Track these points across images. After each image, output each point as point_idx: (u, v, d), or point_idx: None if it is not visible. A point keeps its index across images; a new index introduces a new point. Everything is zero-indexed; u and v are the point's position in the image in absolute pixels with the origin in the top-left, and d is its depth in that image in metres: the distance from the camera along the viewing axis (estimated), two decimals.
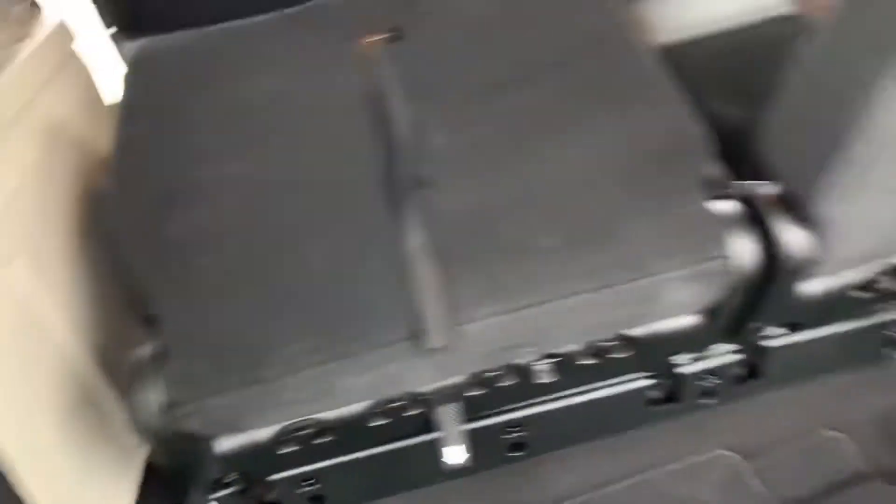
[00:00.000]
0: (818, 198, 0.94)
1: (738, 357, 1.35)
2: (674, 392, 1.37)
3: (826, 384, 1.52)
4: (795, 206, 0.98)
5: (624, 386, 1.31)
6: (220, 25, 1.41)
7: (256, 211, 1.11)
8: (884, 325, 1.40)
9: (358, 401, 1.04)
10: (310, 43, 1.35)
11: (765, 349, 1.35)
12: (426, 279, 1.00)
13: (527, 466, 1.43)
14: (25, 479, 1.00)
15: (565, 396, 1.29)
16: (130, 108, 1.26)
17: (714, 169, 1.09)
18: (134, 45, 1.40)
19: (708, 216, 1.03)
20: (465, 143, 1.15)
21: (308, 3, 1.42)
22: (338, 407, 1.05)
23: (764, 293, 1.12)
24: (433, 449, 1.13)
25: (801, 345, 1.37)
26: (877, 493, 1.44)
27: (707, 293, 1.04)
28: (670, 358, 1.29)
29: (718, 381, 1.38)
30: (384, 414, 1.11)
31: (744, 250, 1.03)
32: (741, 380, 1.40)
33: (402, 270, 1.01)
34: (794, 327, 1.29)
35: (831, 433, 1.53)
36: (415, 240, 1.03)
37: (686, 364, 1.33)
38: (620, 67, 1.22)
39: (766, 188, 1.07)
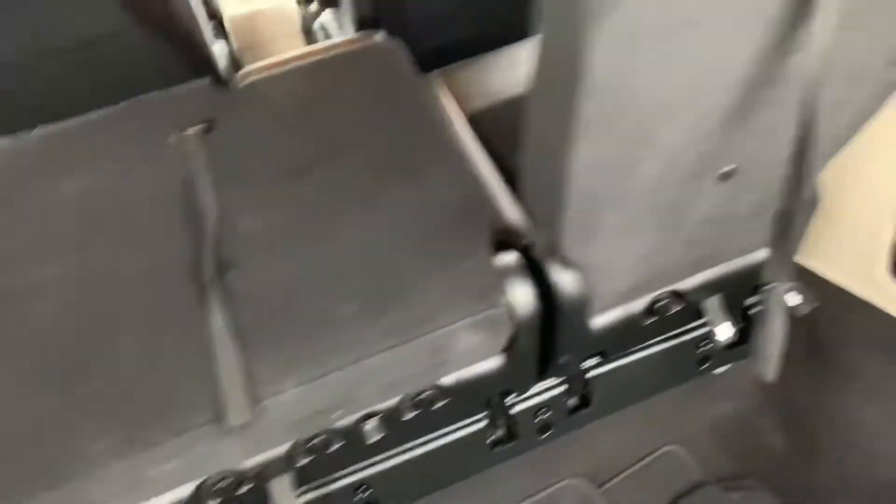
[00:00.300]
0: (563, 244, 1.06)
1: (562, 389, 1.45)
2: (512, 431, 1.45)
3: (660, 401, 1.64)
4: (557, 252, 1.10)
5: (461, 432, 1.39)
6: (36, 130, 1.45)
7: (69, 311, 1.14)
8: (695, 343, 1.55)
9: (176, 486, 1.06)
10: (127, 140, 1.41)
11: (587, 379, 1.47)
12: (227, 360, 1.05)
13: None
14: None
15: (405, 451, 1.35)
16: None
17: (502, 224, 1.21)
18: None
19: (489, 269, 1.14)
20: (270, 225, 1.23)
21: (125, 102, 1.48)
22: (157, 495, 1.06)
23: (559, 331, 1.24)
24: None
25: (620, 370, 1.49)
26: (713, 499, 1.56)
27: (496, 339, 1.14)
28: (502, 399, 1.38)
29: (552, 414, 1.48)
30: (216, 494, 1.13)
31: (524, 296, 1.14)
32: (574, 410, 1.51)
33: (206, 354, 1.06)
34: (604, 355, 1.41)
35: (670, 447, 1.65)
36: (217, 323, 1.09)
37: (517, 403, 1.43)
38: (416, 141, 1.34)
39: (539, 237, 1.19)
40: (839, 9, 0.77)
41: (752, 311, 1.55)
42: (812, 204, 1.28)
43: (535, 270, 1.16)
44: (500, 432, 1.45)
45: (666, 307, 1.32)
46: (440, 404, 1.23)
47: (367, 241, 1.18)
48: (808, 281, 1.55)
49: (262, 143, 1.38)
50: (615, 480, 1.61)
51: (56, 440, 1.00)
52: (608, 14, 0.68)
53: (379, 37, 1.60)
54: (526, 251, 1.17)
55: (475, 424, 1.40)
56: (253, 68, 1.57)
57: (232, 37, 3.48)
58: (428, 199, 1.23)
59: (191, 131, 1.38)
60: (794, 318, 1.43)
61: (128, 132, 1.42)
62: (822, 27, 0.80)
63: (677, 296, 1.32)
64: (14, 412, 1.03)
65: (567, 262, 1.11)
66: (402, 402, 1.19)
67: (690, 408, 1.69)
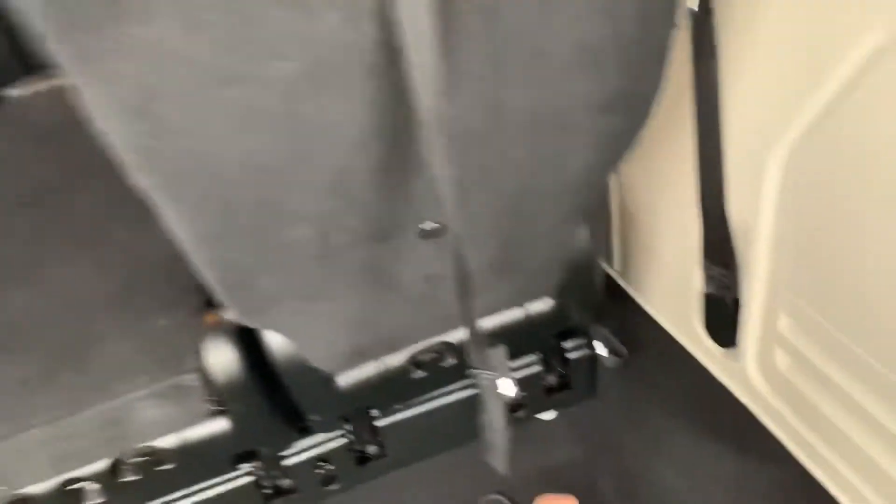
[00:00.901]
0: (240, 313, 0.92)
1: (344, 441, 1.33)
2: (291, 484, 1.34)
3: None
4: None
5: (224, 487, 1.27)
6: None
7: None
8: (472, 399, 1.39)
9: None
10: None
11: (375, 428, 1.34)
12: None
13: None
14: None
15: None
16: None
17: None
18: None
19: (185, 330, 1.01)
20: None
21: None
22: None
23: (293, 391, 1.11)
24: None
25: (415, 420, 1.36)
26: None
27: (187, 409, 1.01)
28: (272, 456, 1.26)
29: (336, 466, 1.35)
30: None
31: (225, 360, 1.01)
32: (362, 461, 1.38)
33: None
34: (377, 408, 1.28)
35: (493, 496, 1.52)
36: None
37: (290, 456, 1.31)
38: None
39: None
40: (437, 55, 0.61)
41: (572, 355, 1.40)
42: (582, 257, 1.12)
43: (246, 331, 1.03)
44: (273, 485, 1.33)
45: (436, 360, 1.18)
46: (167, 467, 1.11)
47: (62, 294, 1.06)
48: (634, 318, 1.40)
49: (6, 168, 1.25)
50: None
51: None
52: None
53: None
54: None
55: (240, 479, 1.28)
56: (36, 79, 1.45)
57: None
58: (137, 250, 1.10)
59: None
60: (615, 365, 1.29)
61: None
62: (423, 83, 0.64)
63: (449, 347, 1.18)
64: None
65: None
66: (116, 464, 1.08)
67: (519, 456, 1.55)
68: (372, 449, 1.39)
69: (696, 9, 0.87)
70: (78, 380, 0.99)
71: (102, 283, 1.07)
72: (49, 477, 1.02)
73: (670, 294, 1.31)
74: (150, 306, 1.04)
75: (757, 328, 1.09)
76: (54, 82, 1.45)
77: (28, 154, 1.27)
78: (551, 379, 1.44)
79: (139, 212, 1.14)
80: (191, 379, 0.99)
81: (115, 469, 1.09)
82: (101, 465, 1.07)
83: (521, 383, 1.37)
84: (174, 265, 1.08)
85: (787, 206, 0.93)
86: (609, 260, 1.48)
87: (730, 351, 1.18)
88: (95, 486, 1.09)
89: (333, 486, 1.38)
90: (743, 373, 1.16)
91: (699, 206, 1.05)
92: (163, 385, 0.98)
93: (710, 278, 1.14)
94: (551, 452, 1.53)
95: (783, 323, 1.04)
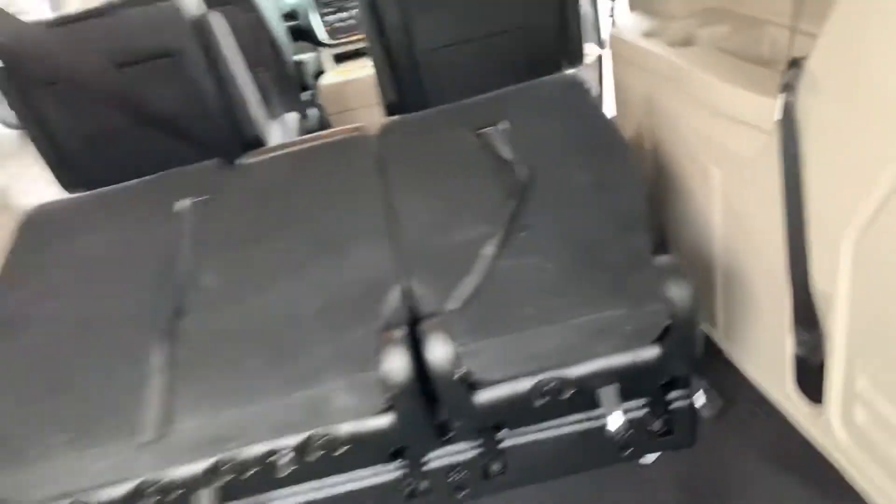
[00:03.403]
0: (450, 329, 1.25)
1: (475, 453, 1.59)
2: (427, 486, 1.61)
3: (588, 482, 1.72)
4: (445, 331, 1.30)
5: (374, 479, 1.58)
6: (96, 190, 1.89)
7: (61, 338, 1.50)
8: (602, 430, 1.61)
9: (113, 483, 1.35)
10: (146, 205, 1.79)
11: (498, 449, 1.60)
12: (154, 390, 1.34)
13: None
14: None
15: (320, 488, 1.56)
16: (7, 260, 1.71)
17: (397, 304, 1.42)
18: (31, 210, 1.88)
19: (373, 340, 1.35)
20: (223, 284, 1.53)
21: (161, 173, 1.87)
22: (101, 488, 1.36)
23: (441, 400, 1.41)
24: None
25: (535, 445, 1.61)
26: None
27: (370, 400, 1.34)
28: (414, 455, 1.55)
29: (466, 475, 1.62)
30: (146, 496, 1.40)
31: (399, 367, 1.33)
32: (486, 476, 1.64)
33: (141, 383, 1.36)
34: (500, 427, 1.54)
35: None
36: (156, 360, 1.39)
37: (430, 461, 1.59)
38: (354, 224, 1.59)
39: (430, 317, 1.38)
40: None
41: (675, 404, 1.60)
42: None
43: (417, 347, 1.35)
44: (416, 484, 1.61)
45: (556, 390, 1.44)
46: (342, 450, 1.43)
47: (287, 306, 1.44)
48: (728, 375, 1.59)
49: (240, 217, 1.69)
50: None
51: (16, 433, 1.34)
52: None
53: (364, 130, 1.88)
54: (413, 331, 1.37)
55: (388, 474, 1.58)
56: (258, 151, 1.92)
57: (323, 101, 3.98)
58: (342, 277, 1.47)
59: (189, 202, 1.73)
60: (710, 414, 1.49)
61: (151, 198, 1.80)
62: None
63: (566, 381, 1.44)
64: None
65: (452, 341, 1.30)
66: (307, 441, 1.40)
67: (620, 493, 1.74)
68: (496, 466, 1.64)
69: (780, 118, 1.14)
70: (292, 370, 1.34)
71: (311, 301, 1.45)
72: (260, 442, 1.37)
73: (764, 355, 1.51)
74: (346, 321, 1.39)
75: (839, 387, 1.27)
76: (270, 154, 1.92)
77: (252, 205, 1.71)
78: (655, 425, 1.63)
79: (335, 251, 1.53)
80: (373, 378, 1.32)
81: (305, 445, 1.42)
82: (296, 439, 1.41)
83: (629, 425, 1.59)
84: (363, 291, 1.45)
85: (861, 279, 1.14)
86: (711, 321, 1.69)
87: (815, 407, 1.36)
88: (288, 457, 1.43)
89: (463, 494, 1.63)
90: (827, 426, 1.33)
91: (788, 276, 1.27)
92: (352, 380, 1.32)
93: (800, 342, 1.34)
94: (653, 494, 1.70)
95: (861, 383, 1.21)
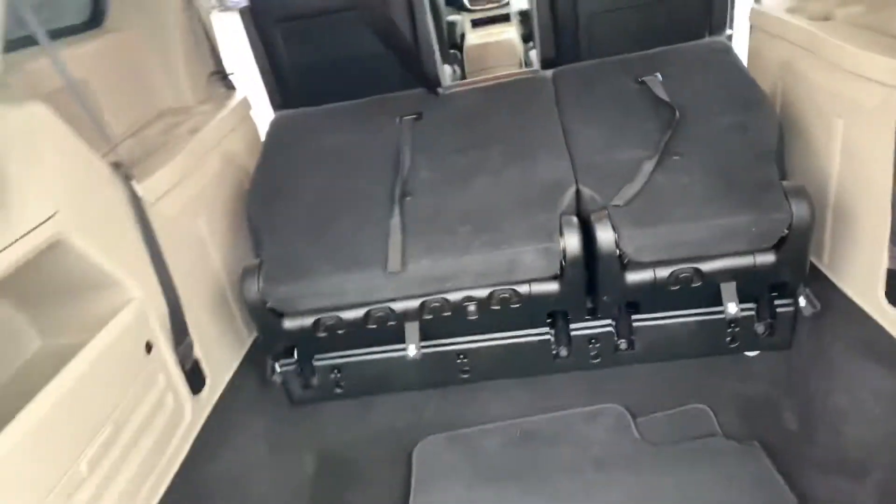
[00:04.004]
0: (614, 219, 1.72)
1: (611, 328, 2.05)
2: (570, 350, 2.09)
3: (697, 368, 2.13)
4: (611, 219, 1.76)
5: (532, 337, 2.07)
6: (324, 105, 2.45)
7: (319, 203, 2.06)
8: (726, 323, 2.03)
9: (358, 300, 1.90)
10: (374, 118, 2.33)
11: (630, 326, 2.05)
12: (395, 240, 1.88)
13: (470, 392, 2.19)
14: (191, 333, 1.96)
15: (491, 339, 2.07)
16: (266, 149, 2.30)
17: (573, 198, 1.90)
18: (276, 115, 2.47)
19: (555, 221, 1.83)
20: (436, 177, 2.05)
21: (373, 97, 2.41)
22: (350, 308, 1.91)
23: (599, 275, 1.87)
24: (404, 360, 1.95)
25: (661, 327, 2.05)
26: (717, 443, 2.01)
27: (550, 264, 1.82)
28: (564, 321, 2.03)
29: (601, 346, 2.08)
30: (375, 321, 1.95)
31: (573, 242, 1.80)
32: (617, 349, 2.09)
33: (387, 235, 1.90)
34: (638, 307, 1.98)
35: (698, 405, 2.13)
36: (395, 220, 1.92)
37: (576, 329, 2.06)
38: (537, 139, 2.06)
39: (600, 209, 1.84)
40: None
41: (781, 309, 1.99)
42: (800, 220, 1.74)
43: (587, 230, 1.82)
44: (562, 348, 2.09)
45: (688, 280, 1.87)
46: (515, 305, 1.92)
47: (488, 195, 1.94)
48: (826, 289, 1.96)
49: (446, 131, 2.20)
50: (647, 417, 2.13)
51: (304, 260, 1.91)
52: None
53: (541, 73, 2.34)
54: (586, 218, 1.84)
55: (543, 335, 2.06)
56: (455, 83, 2.41)
57: (467, 59, 4.46)
58: (532, 176, 1.95)
59: (408, 118, 2.25)
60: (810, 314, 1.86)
61: (375, 114, 2.34)
62: None
63: (697, 272, 1.86)
64: (285, 242, 1.96)
65: (614, 227, 1.77)
66: (490, 295, 1.91)
67: (722, 379, 2.14)
68: (625, 344, 2.09)
69: None
70: (494, 237, 1.84)
71: (506, 193, 1.94)
72: (464, 288, 1.88)
73: (862, 272, 1.87)
74: (534, 208, 1.88)
75: None
76: (465, 87, 2.41)
77: (456, 123, 2.21)
78: (761, 326, 2.03)
79: (524, 160, 2.00)
80: (553, 248, 1.80)
81: (490, 298, 1.92)
82: (485, 292, 1.91)
83: (739, 321, 2.00)
84: (547, 189, 1.92)
85: None
86: (818, 251, 2.05)
87: None
88: (474, 305, 1.94)
89: (597, 362, 2.10)
90: None
91: (892, 200, 1.64)
92: (538, 248, 1.80)
93: (892, 256, 1.71)
94: (750, 383, 2.10)
95: None
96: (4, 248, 1.32)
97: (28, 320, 1.69)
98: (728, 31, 2.86)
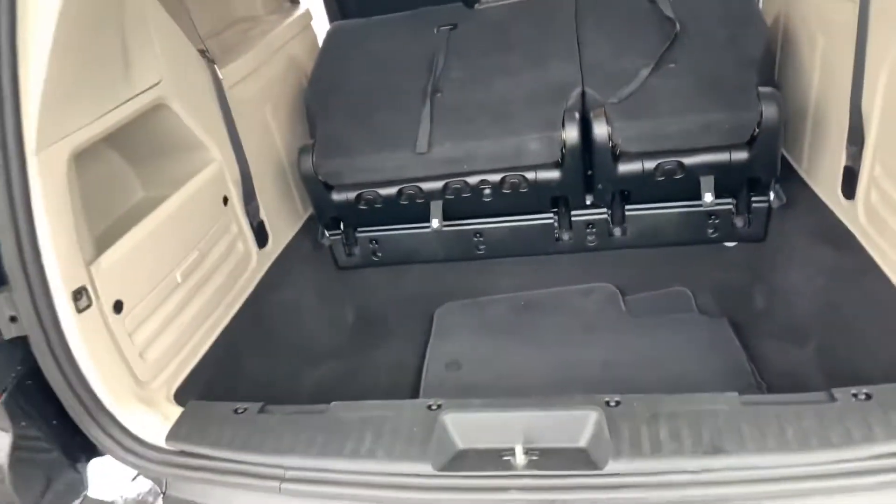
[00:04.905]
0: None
1: (605, 216, 2.40)
2: (570, 234, 2.45)
3: (681, 256, 2.46)
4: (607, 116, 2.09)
5: (538, 221, 2.43)
6: (374, 17, 2.81)
7: (364, 96, 2.45)
8: (709, 214, 2.34)
9: (392, 177, 2.30)
10: (416, 27, 2.68)
11: (623, 215, 2.39)
12: (424, 127, 2.26)
13: (485, 266, 2.58)
14: (258, 198, 2.39)
15: (504, 222, 2.44)
16: (323, 53, 2.69)
17: (576, 100, 2.22)
18: (332, 25, 2.85)
19: (559, 115, 2.17)
20: (464, 77, 2.40)
21: (417, 10, 2.75)
22: (383, 182, 2.32)
23: (595, 165, 2.21)
24: (430, 234, 2.35)
25: (650, 217, 2.38)
26: (691, 317, 2.35)
27: (552, 151, 2.17)
28: (566, 207, 2.38)
29: (597, 231, 2.44)
30: (406, 198, 2.36)
31: (572, 134, 2.14)
32: (611, 234, 2.44)
33: (418, 123, 2.28)
34: (629, 197, 2.32)
35: (679, 287, 2.46)
36: (425, 110, 2.30)
37: (576, 216, 2.42)
38: (551, 49, 2.38)
39: (598, 105, 2.17)
40: None
41: (756, 205, 2.30)
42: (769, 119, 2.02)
43: (586, 125, 2.15)
44: (563, 231, 2.45)
45: (672, 171, 2.19)
46: (523, 190, 2.29)
47: (504, 92, 2.29)
48: (799, 190, 2.26)
49: (476, 39, 2.54)
50: (635, 296, 2.47)
51: (351, 140, 2.32)
52: None
53: None
54: (584, 116, 2.17)
55: (547, 220, 2.43)
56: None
57: None
58: (541, 79, 2.28)
59: (445, 27, 2.59)
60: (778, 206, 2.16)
61: (417, 24, 2.69)
62: None
63: (680, 165, 2.17)
64: (335, 127, 2.37)
65: (609, 122, 2.09)
66: (502, 180, 2.27)
67: (702, 266, 2.46)
68: (618, 230, 2.44)
69: None
70: (506, 126, 2.20)
71: (521, 90, 2.28)
72: (480, 172, 2.25)
73: (827, 170, 2.14)
74: (543, 103, 2.21)
75: (864, 180, 1.91)
76: (496, 3, 2.72)
77: (486, 33, 2.55)
78: (738, 220, 2.34)
79: (539, 63, 2.33)
80: (556, 137, 2.15)
81: (502, 182, 2.29)
82: (498, 177, 2.28)
83: (719, 214, 2.31)
84: (556, 88, 2.25)
85: (890, 97, 1.76)
86: (799, 155, 2.33)
87: (851, 202, 2.00)
88: (488, 188, 2.31)
89: (594, 245, 2.46)
90: (854, 212, 1.97)
91: (849, 106, 1.90)
92: (542, 136, 2.15)
93: (849, 154, 1.98)
94: (727, 270, 2.42)
95: (877, 170, 1.85)
96: (126, 101, 1.76)
97: (134, 173, 2.16)
98: None
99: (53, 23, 1.40)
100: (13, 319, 1.49)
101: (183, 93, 1.99)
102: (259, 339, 2.20)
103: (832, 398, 1.39)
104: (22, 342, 1.54)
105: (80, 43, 1.51)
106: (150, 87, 1.86)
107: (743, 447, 1.32)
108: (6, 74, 1.36)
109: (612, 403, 1.46)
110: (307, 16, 3.00)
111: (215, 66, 2.16)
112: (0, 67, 1.36)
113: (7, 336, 1.50)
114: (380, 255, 2.60)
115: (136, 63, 1.80)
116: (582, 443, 1.43)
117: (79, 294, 1.56)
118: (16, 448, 1.52)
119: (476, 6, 2.70)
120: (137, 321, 1.76)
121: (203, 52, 2.14)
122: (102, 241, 1.75)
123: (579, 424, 1.44)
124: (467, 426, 1.49)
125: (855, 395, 1.37)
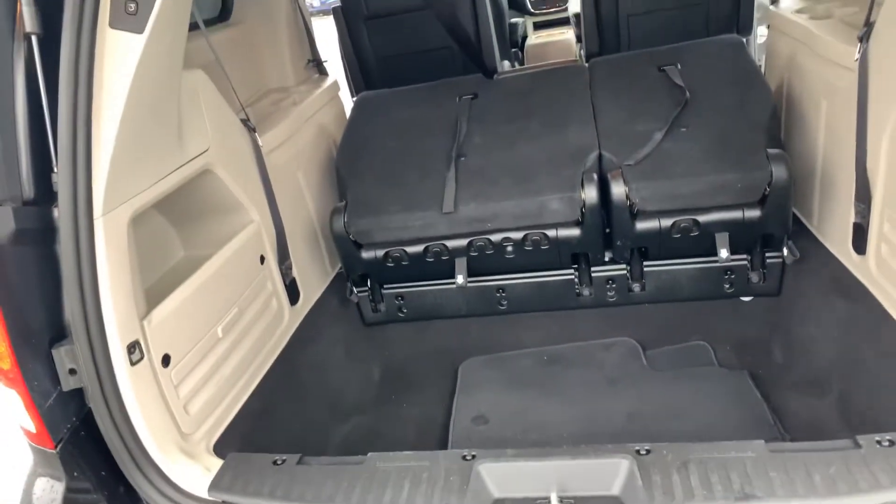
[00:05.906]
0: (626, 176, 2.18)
1: (625, 272, 2.49)
2: (590, 289, 2.54)
3: (700, 308, 2.53)
4: (623, 176, 2.21)
5: (560, 277, 2.53)
6: (398, 88, 2.99)
7: (392, 160, 2.60)
8: (725, 270, 2.43)
9: (419, 235, 2.41)
10: (438, 97, 2.85)
11: (641, 270, 2.48)
12: (450, 188, 2.39)
13: (507, 321, 2.66)
14: (294, 262, 2.51)
15: (526, 278, 2.54)
16: (352, 120, 2.86)
17: (594, 161, 2.35)
18: (360, 95, 3.03)
19: (578, 176, 2.29)
20: (486, 141, 2.54)
21: (439, 81, 2.93)
22: (410, 243, 2.43)
23: (613, 222, 2.31)
24: (454, 290, 2.45)
25: (668, 273, 2.47)
26: (714, 371, 2.41)
27: (572, 211, 2.28)
28: (587, 263, 2.48)
29: (617, 286, 2.52)
30: (432, 255, 2.46)
31: (591, 194, 2.26)
32: (630, 290, 2.52)
33: (444, 185, 2.41)
34: (646, 253, 2.41)
35: (699, 341, 2.53)
36: (451, 174, 2.43)
37: (596, 272, 2.51)
38: (567, 114, 2.53)
39: (614, 167, 2.29)
40: None
41: (770, 260, 2.39)
42: (778, 181, 2.14)
43: (604, 185, 2.27)
44: (584, 287, 2.54)
45: (687, 229, 2.29)
46: (545, 247, 2.39)
47: (525, 157, 2.43)
48: (812, 247, 2.35)
49: (497, 107, 2.70)
50: (656, 349, 2.54)
51: (379, 202, 2.45)
52: None
53: (580, 61, 2.81)
54: (602, 177, 2.29)
55: (568, 275, 2.52)
56: (508, 70, 2.91)
57: (527, 57, 4.95)
58: (560, 144, 2.42)
59: (467, 96, 2.76)
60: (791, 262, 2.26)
61: (439, 94, 2.86)
62: None
63: (695, 223, 2.28)
64: (366, 188, 2.51)
65: (627, 182, 2.21)
66: (524, 237, 2.38)
67: (721, 320, 2.53)
68: (637, 286, 2.52)
69: (858, 58, 1.90)
70: (528, 187, 2.32)
71: (541, 154, 2.41)
72: (502, 230, 2.37)
73: (838, 227, 2.24)
74: (562, 166, 2.34)
75: (875, 236, 2.01)
76: (516, 73, 2.90)
77: (505, 101, 2.70)
78: (755, 275, 2.42)
79: (558, 129, 2.49)
80: (576, 197, 2.26)
81: (524, 239, 2.40)
82: (520, 234, 2.39)
83: (734, 270, 2.40)
84: (574, 151, 2.38)
85: (893, 158, 1.87)
86: (809, 212, 2.43)
87: (862, 257, 2.09)
88: (511, 245, 2.42)
89: (614, 300, 2.54)
90: (866, 266, 2.06)
91: (855, 166, 2.01)
92: (563, 196, 2.27)
93: (857, 211, 2.08)
94: (745, 323, 2.48)
95: (886, 227, 1.95)
96: (179, 167, 1.90)
97: (176, 233, 2.28)
98: (763, 31, 3.24)
99: (123, 99, 1.55)
100: (72, 372, 1.58)
101: (227, 159, 2.13)
102: (291, 394, 2.27)
103: (857, 445, 1.43)
104: (77, 394, 1.63)
105: (143, 115, 1.66)
106: (200, 154, 2.00)
107: (773, 493, 1.37)
108: (81, 146, 1.50)
109: (643, 452, 1.51)
110: (335, 87, 3.19)
111: (255, 133, 2.31)
112: (76, 140, 1.49)
113: (66, 388, 1.59)
114: (405, 310, 2.69)
115: (188, 132, 1.95)
116: (615, 490, 1.48)
117: (132, 348, 1.64)
118: (67, 498, 1.58)
119: (495, 76, 2.88)
120: (182, 374, 1.84)
121: (245, 122, 2.30)
122: (149, 299, 1.85)
123: (612, 473, 1.49)
124: (502, 475, 1.54)
125: (879, 442, 1.42)
